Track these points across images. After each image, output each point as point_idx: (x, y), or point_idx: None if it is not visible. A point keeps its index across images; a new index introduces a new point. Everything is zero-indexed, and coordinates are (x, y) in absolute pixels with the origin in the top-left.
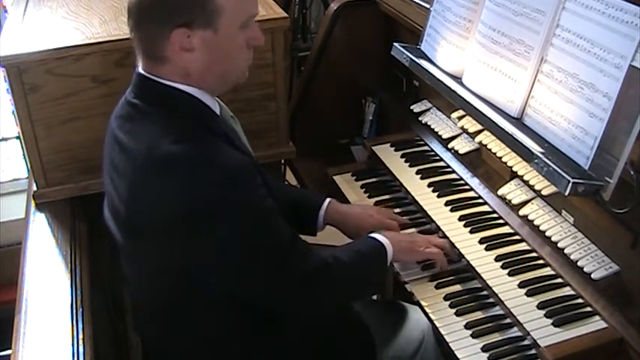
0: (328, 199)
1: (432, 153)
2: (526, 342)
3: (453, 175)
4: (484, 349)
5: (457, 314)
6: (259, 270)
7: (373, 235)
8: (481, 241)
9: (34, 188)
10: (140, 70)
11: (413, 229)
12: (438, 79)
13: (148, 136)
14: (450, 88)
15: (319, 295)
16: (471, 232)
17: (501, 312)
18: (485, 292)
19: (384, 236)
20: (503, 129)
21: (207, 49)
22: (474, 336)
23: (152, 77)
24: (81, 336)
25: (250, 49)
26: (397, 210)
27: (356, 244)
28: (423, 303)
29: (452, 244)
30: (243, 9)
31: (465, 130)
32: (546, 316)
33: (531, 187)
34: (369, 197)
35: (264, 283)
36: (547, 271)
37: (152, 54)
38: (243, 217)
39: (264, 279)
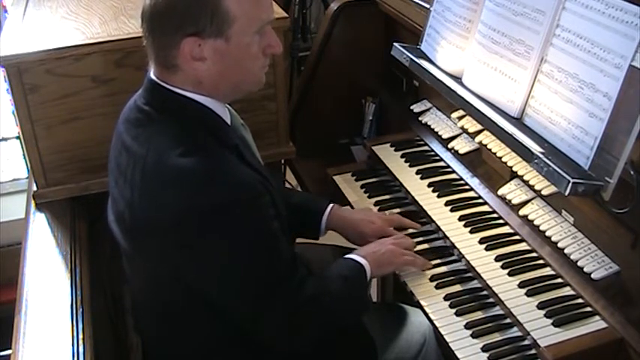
0: (331, 205)
1: (432, 153)
2: (526, 342)
3: (453, 175)
4: (484, 349)
5: (457, 314)
6: (253, 293)
7: (350, 256)
8: (481, 241)
9: (34, 188)
10: (152, 75)
11: (413, 229)
12: (438, 79)
13: (157, 146)
14: (450, 88)
15: (307, 326)
16: (471, 232)
17: (501, 312)
18: (485, 292)
19: (361, 256)
20: (503, 129)
21: (219, 58)
22: (474, 336)
23: (164, 85)
24: (81, 336)
25: (267, 56)
26: (397, 210)
27: (338, 268)
28: (422, 303)
29: (452, 244)
30: (256, 17)
31: (465, 130)
32: (546, 316)
33: (531, 187)
34: (369, 197)
35: (256, 306)
36: (547, 271)
37: (163, 61)
38: (245, 237)
39: (256, 303)
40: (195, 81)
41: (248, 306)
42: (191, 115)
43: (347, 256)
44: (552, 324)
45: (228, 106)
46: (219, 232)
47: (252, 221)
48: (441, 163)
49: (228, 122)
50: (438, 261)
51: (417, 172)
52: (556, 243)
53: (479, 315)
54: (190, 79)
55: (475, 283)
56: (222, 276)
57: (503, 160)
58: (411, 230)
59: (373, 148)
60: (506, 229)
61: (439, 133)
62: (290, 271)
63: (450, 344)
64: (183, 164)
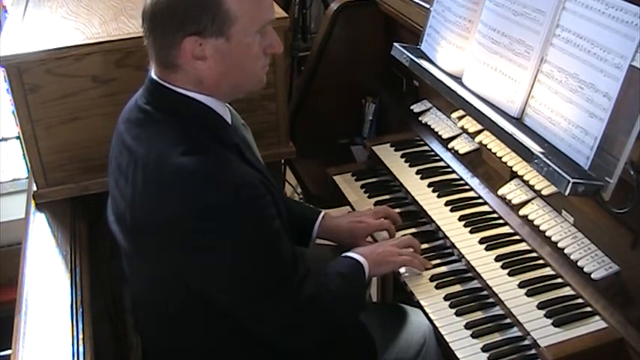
0: (322, 213)
1: (432, 153)
2: (526, 342)
3: (453, 175)
4: (484, 349)
5: (457, 314)
6: (256, 292)
7: (349, 254)
8: (481, 241)
9: (34, 188)
10: (153, 75)
11: (413, 229)
12: (438, 79)
13: (159, 145)
14: (450, 88)
15: (309, 324)
16: (471, 232)
17: (501, 312)
18: (485, 292)
19: (359, 254)
20: (503, 129)
21: (220, 57)
22: (474, 336)
23: (165, 84)
24: (81, 336)
25: (268, 56)
26: (397, 210)
27: (337, 266)
28: (422, 303)
29: (452, 244)
30: (257, 17)
31: (465, 130)
32: (546, 316)
33: (531, 187)
34: (369, 197)
35: (256, 306)
36: (547, 271)
37: (165, 61)
38: (246, 235)
39: (259, 302)
40: (196, 80)
41: (249, 306)
42: (192, 115)
43: (345, 254)
44: (552, 324)
45: (228, 105)
46: (221, 232)
47: (254, 221)
48: (441, 163)
49: (229, 122)
50: (438, 261)
51: (417, 172)
52: (556, 243)
53: (479, 315)
54: (191, 79)
55: (475, 283)
56: (223, 276)
57: (503, 160)
58: (411, 230)
59: (373, 148)
60: (506, 229)
61: (439, 133)
62: (291, 270)
63: (449, 344)
64: (185, 163)
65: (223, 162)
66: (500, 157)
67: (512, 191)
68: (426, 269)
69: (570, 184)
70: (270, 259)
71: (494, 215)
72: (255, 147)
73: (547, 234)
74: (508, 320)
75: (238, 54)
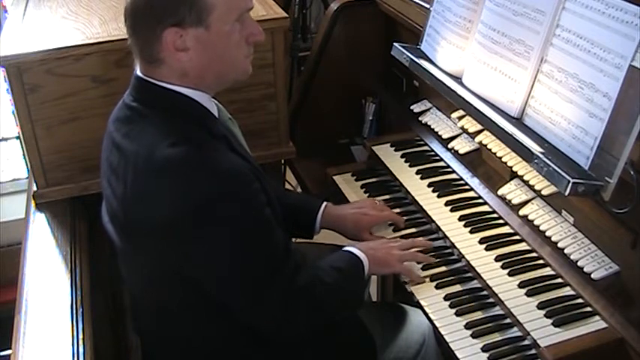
0: (325, 203)
1: (432, 153)
2: (526, 342)
3: (453, 175)
4: (484, 349)
5: (457, 314)
6: (248, 280)
7: (349, 249)
8: (481, 241)
9: (34, 188)
10: (138, 72)
11: (413, 229)
12: (438, 79)
13: (147, 139)
14: (450, 88)
15: (301, 315)
16: (471, 232)
17: (501, 312)
18: (485, 292)
19: (360, 250)
20: (503, 129)
21: (202, 47)
22: (474, 336)
23: (150, 80)
24: (81, 336)
25: (250, 45)
26: (397, 210)
27: (335, 260)
28: (422, 303)
29: (452, 244)
30: (234, 5)
31: (465, 130)
32: (546, 316)
33: (531, 187)
34: (369, 197)
35: (251, 296)
36: (547, 271)
37: (148, 56)
38: (239, 223)
39: (252, 291)
40: (180, 73)
41: (241, 294)
42: (179, 108)
43: (346, 248)
44: (552, 324)
45: (214, 100)
46: (212, 221)
47: (244, 208)
48: (441, 163)
49: (216, 115)
50: (438, 261)
51: (417, 172)
52: (556, 243)
53: (479, 315)
54: (175, 72)
55: (475, 283)
56: (217, 264)
57: (503, 160)
58: (411, 230)
59: (373, 148)
60: (506, 229)
61: (439, 133)
62: (283, 259)
63: (450, 344)
64: (174, 154)
65: (212, 151)
66: (500, 157)
67: (512, 191)
68: (426, 269)
69: (570, 184)
70: (262, 247)
71: (494, 215)
72: (243, 141)
73: (547, 234)
74: (508, 320)
75: (219, 43)
